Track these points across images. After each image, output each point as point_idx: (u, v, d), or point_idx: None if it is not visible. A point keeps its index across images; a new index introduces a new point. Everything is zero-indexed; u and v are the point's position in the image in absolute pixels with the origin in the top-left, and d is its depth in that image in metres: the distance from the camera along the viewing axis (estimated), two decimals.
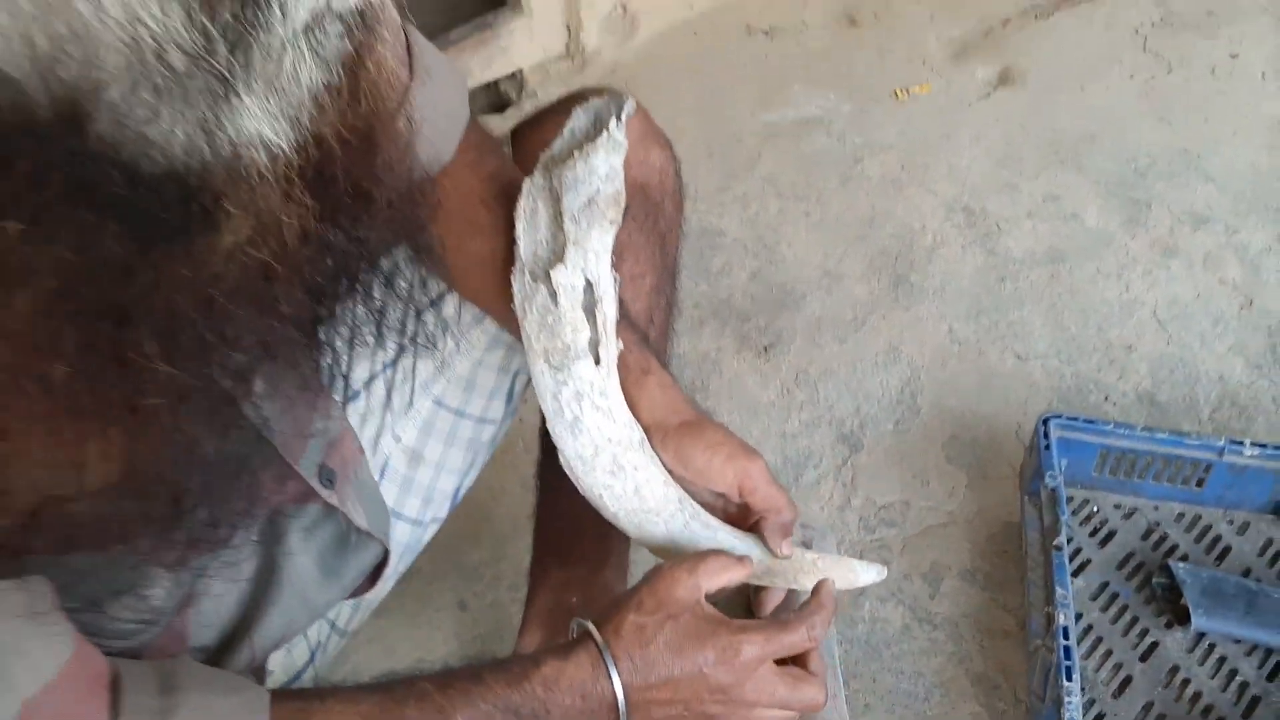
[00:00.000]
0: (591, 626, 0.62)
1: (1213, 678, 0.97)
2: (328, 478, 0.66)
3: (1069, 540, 1.05)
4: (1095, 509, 1.10)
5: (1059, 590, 0.92)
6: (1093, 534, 1.08)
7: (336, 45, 0.39)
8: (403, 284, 0.55)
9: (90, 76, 0.34)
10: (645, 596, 0.63)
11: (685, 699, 0.63)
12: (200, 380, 0.42)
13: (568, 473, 0.70)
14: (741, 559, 0.67)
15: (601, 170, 0.65)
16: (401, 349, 0.65)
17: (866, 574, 0.74)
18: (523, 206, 0.67)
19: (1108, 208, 1.47)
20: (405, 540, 0.82)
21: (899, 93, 1.71)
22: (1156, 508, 1.10)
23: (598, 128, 0.67)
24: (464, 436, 0.83)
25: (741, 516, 0.73)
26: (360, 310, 0.52)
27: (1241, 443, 1.04)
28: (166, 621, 0.61)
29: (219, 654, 0.68)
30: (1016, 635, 1.03)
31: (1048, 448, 1.04)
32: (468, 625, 1.09)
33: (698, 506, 0.71)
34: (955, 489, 1.16)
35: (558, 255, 0.65)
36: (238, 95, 0.36)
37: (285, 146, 0.38)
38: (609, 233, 0.66)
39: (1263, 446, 1.04)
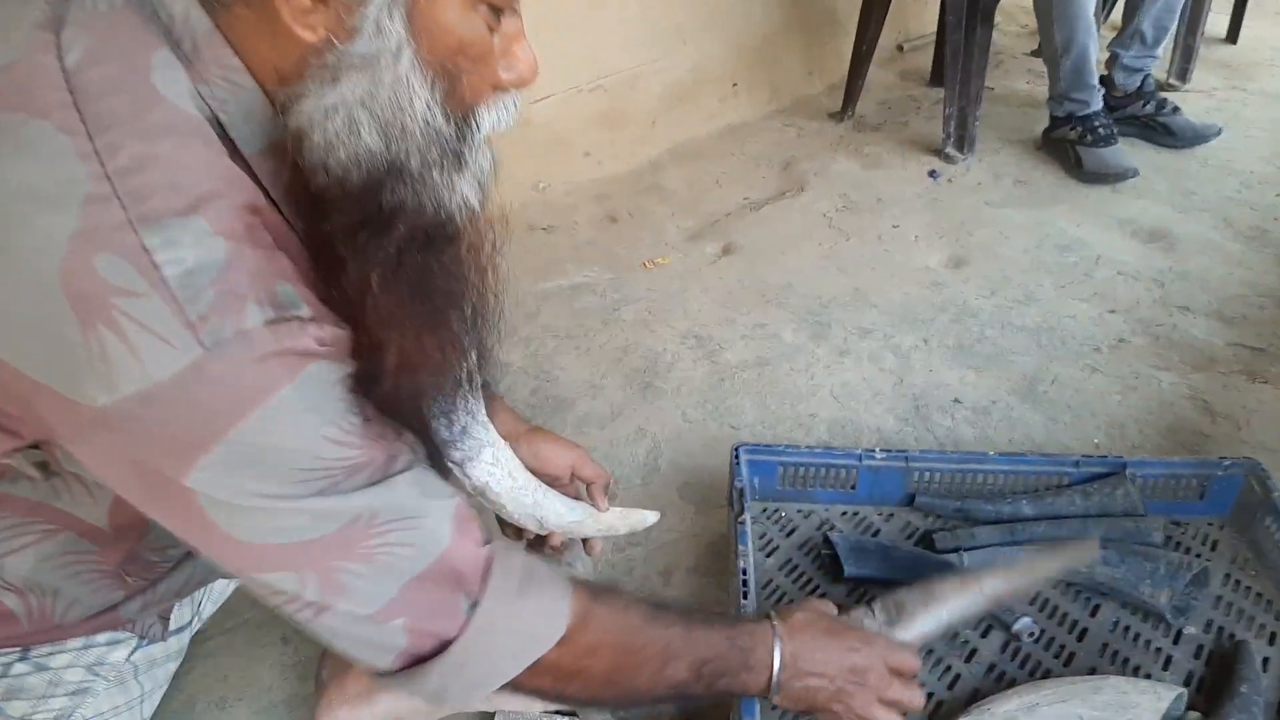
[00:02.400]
0: (773, 613, 0.95)
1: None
2: None
3: (762, 535, 1.40)
4: (782, 514, 1.45)
5: (740, 547, 1.26)
6: (781, 529, 1.43)
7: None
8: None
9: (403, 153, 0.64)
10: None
11: (831, 674, 0.91)
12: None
13: (456, 473, 0.95)
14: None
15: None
16: None
17: (651, 516, 1.18)
18: None
19: (800, 329, 1.93)
20: None
21: (647, 264, 2.19)
22: (827, 509, 1.46)
23: None
24: None
25: (567, 493, 1.11)
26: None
27: (874, 451, 1.43)
28: None
29: None
30: (727, 603, 1.35)
31: (738, 465, 1.40)
32: (289, 654, 1.31)
33: (545, 485, 1.06)
34: (685, 516, 1.51)
35: None
36: (460, 172, 0.67)
37: (476, 205, 0.70)
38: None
39: (888, 452, 1.43)
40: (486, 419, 1.00)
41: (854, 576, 1.32)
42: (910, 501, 1.45)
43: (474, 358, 0.82)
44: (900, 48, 3.43)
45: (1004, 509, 1.38)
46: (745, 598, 1.18)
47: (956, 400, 1.71)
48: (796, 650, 0.90)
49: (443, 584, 0.71)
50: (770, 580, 1.34)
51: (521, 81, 0.70)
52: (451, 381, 0.78)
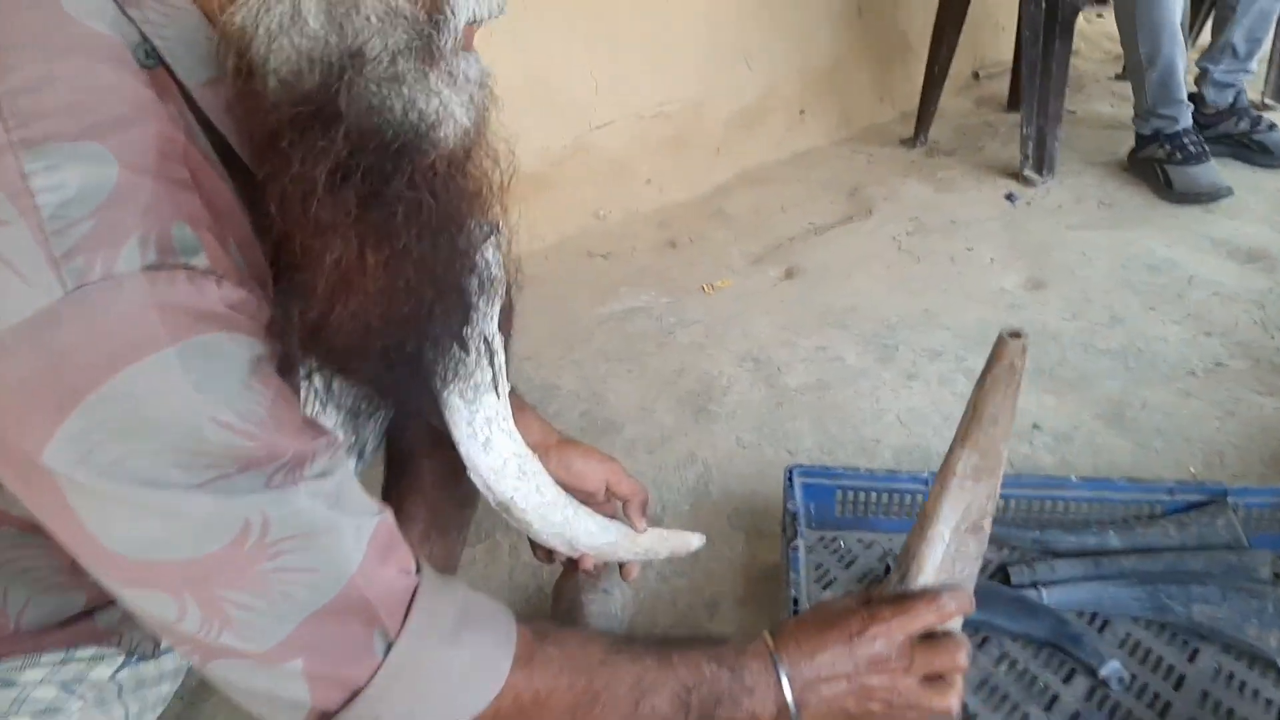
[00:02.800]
0: (767, 635, 0.77)
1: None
2: None
3: (819, 566, 1.30)
4: (841, 544, 1.34)
5: (792, 574, 1.16)
6: (839, 560, 1.32)
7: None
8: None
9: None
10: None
11: (847, 673, 0.74)
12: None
13: (480, 487, 0.87)
14: None
15: (493, 260, 0.87)
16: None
17: (695, 540, 1.04)
18: None
19: (865, 352, 1.83)
20: None
21: (706, 287, 2.11)
22: (890, 539, 1.34)
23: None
24: None
25: (602, 511, 1.00)
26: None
27: None
28: None
29: None
30: None
31: (792, 488, 1.30)
32: None
33: (576, 502, 0.96)
34: (734, 544, 1.40)
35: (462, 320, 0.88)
36: (433, 66, 0.57)
37: (465, 120, 0.60)
38: (497, 304, 0.84)
39: None
40: (513, 427, 0.92)
41: None
42: None
43: (468, 318, 0.71)
44: (976, 75, 3.33)
45: (1088, 540, 1.25)
46: None
47: (1035, 426, 1.58)
48: (796, 658, 0.75)
49: (350, 618, 0.59)
50: None
51: None
52: (425, 333, 0.67)
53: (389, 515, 0.64)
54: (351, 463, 0.91)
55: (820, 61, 2.87)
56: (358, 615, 0.60)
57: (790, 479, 1.31)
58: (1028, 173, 2.46)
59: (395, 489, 1.06)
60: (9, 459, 0.52)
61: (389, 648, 0.61)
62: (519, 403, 0.98)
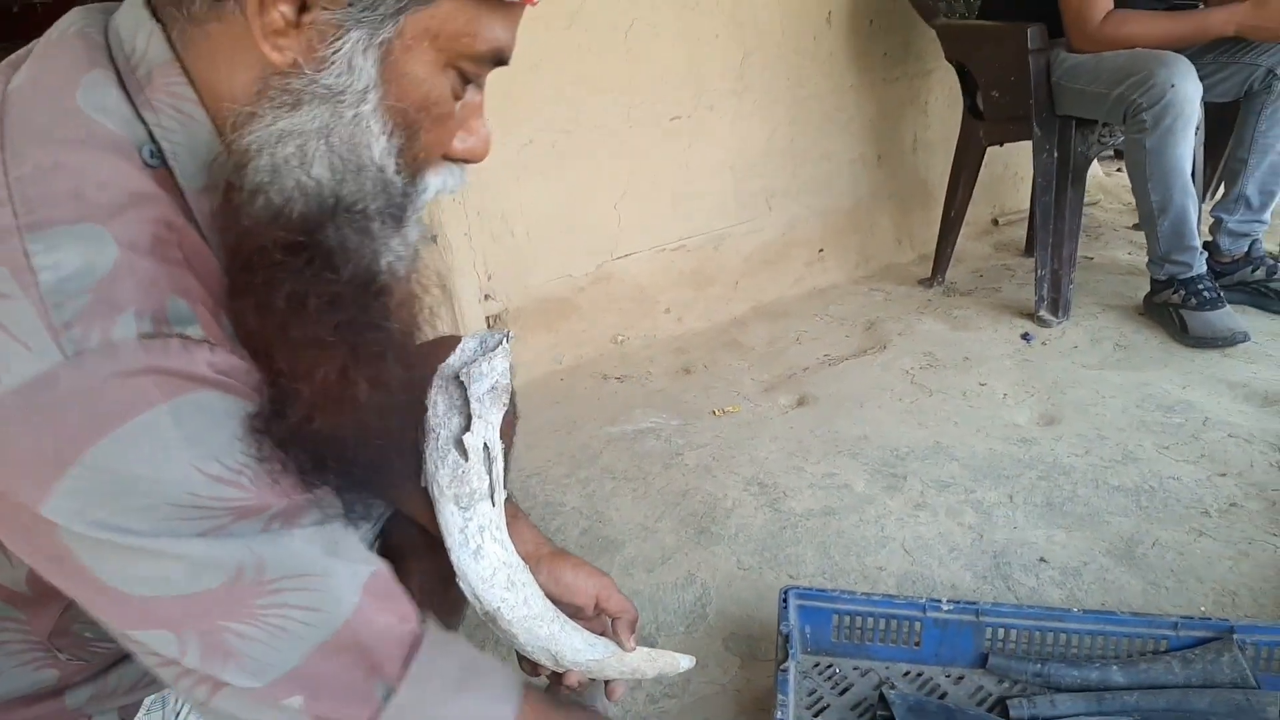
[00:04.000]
0: None
1: None
2: None
3: (812, 692, 1.26)
4: (836, 670, 1.30)
5: (780, 697, 1.12)
6: (833, 687, 1.28)
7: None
8: None
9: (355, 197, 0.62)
10: None
11: None
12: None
13: (468, 595, 0.87)
14: None
15: (500, 368, 0.88)
16: None
17: (685, 661, 1.03)
18: (433, 395, 0.87)
19: (873, 480, 1.81)
20: None
21: (716, 411, 2.12)
22: (887, 667, 1.30)
23: (488, 345, 0.89)
24: None
25: (591, 627, 0.99)
26: None
27: (939, 601, 1.29)
28: None
29: None
30: None
31: (785, 609, 1.28)
32: None
33: (564, 616, 0.95)
34: (729, 669, 1.37)
35: (465, 426, 0.86)
36: (398, 230, 0.64)
37: (406, 264, 0.66)
38: (500, 413, 0.88)
39: (956, 604, 1.29)
40: (506, 536, 0.91)
41: None
42: (983, 663, 1.29)
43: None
44: (995, 221, 3.40)
45: (1090, 675, 1.21)
46: None
47: (1042, 559, 1.54)
48: None
49: (349, 660, 0.62)
50: None
51: (473, 155, 0.69)
52: (387, 442, 0.70)
53: (386, 567, 0.66)
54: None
55: (840, 203, 2.96)
56: (356, 658, 0.62)
57: (785, 600, 1.29)
58: (1043, 314, 2.48)
59: None
60: (10, 512, 0.55)
61: (389, 694, 0.63)
62: (513, 510, 0.98)
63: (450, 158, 0.68)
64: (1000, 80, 2.48)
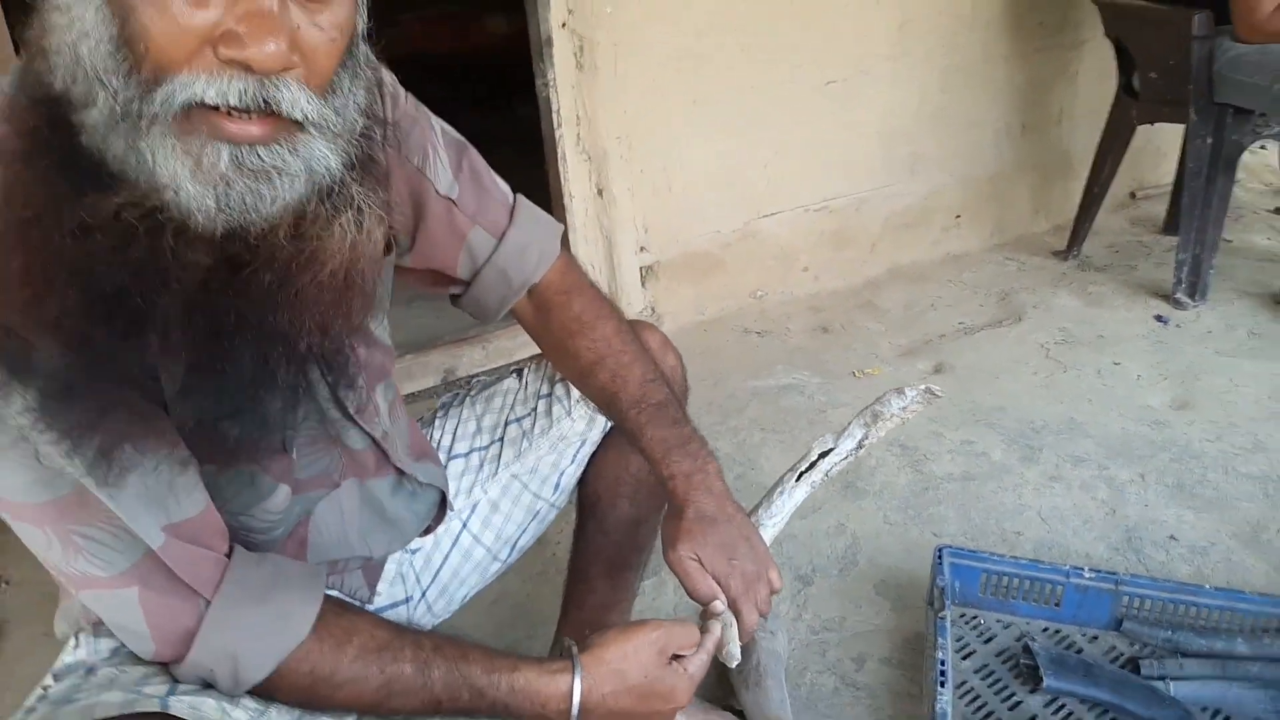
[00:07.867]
0: (575, 650, 0.87)
1: None
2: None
3: (959, 639, 1.42)
4: (981, 621, 1.46)
5: (939, 639, 1.29)
6: (979, 635, 1.44)
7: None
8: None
9: None
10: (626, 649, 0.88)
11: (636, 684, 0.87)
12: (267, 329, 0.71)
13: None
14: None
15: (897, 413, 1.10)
16: (496, 440, 1.14)
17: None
18: (850, 428, 1.10)
19: (1009, 451, 1.94)
20: (478, 558, 1.22)
21: (856, 373, 2.26)
22: (1028, 623, 1.46)
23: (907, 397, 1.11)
24: (525, 502, 1.22)
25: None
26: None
27: (1082, 569, 1.43)
28: (289, 528, 0.93)
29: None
30: (919, 697, 1.36)
31: (940, 566, 1.43)
32: None
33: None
34: (881, 611, 1.54)
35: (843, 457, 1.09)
36: (144, 135, 0.60)
37: (204, 203, 0.62)
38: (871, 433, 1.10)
39: (1097, 573, 1.42)
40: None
41: (1054, 689, 1.31)
42: (1118, 625, 1.43)
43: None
44: (1133, 195, 3.40)
45: (1217, 644, 1.34)
46: (942, 688, 1.20)
47: (1172, 537, 1.66)
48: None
49: (174, 574, 0.75)
50: (964, 681, 1.35)
51: (249, 61, 0.59)
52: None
53: (204, 508, 0.78)
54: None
55: (981, 171, 3.02)
56: (170, 582, 0.76)
57: (940, 557, 1.45)
58: (1180, 296, 2.54)
59: (583, 531, 1.26)
60: None
61: (207, 604, 0.77)
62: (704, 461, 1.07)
63: (227, 60, 0.59)
64: (1160, 62, 2.50)
